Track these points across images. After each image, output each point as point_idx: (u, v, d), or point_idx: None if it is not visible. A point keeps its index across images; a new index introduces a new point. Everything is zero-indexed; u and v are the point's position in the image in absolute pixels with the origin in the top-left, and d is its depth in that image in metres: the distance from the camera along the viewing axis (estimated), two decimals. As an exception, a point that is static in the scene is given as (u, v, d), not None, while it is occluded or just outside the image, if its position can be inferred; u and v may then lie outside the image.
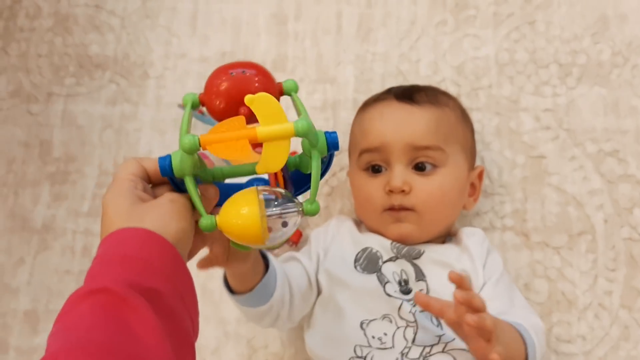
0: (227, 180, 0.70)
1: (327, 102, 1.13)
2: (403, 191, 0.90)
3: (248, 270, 0.80)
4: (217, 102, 0.67)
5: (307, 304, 0.92)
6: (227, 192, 0.65)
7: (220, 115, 0.67)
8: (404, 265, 0.89)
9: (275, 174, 0.67)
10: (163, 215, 0.61)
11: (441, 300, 0.76)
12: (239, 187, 0.66)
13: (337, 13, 1.18)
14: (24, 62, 1.19)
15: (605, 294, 1.00)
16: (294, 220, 0.62)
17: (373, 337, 0.84)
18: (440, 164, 0.91)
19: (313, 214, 0.63)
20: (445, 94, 1.00)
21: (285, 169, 0.68)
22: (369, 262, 0.90)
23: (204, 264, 0.76)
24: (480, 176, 0.99)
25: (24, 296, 1.06)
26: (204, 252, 0.74)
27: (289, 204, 0.62)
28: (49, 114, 1.16)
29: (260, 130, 0.57)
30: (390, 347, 0.84)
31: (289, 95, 0.70)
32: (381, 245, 0.92)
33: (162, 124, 1.14)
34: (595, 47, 1.12)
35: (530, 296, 1.00)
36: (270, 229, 0.61)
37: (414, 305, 0.85)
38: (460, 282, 0.72)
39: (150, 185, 0.67)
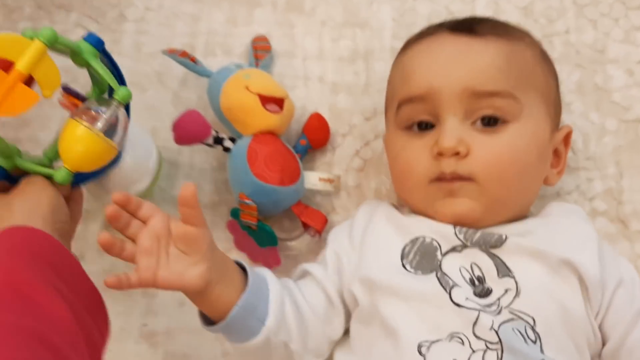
0: None
1: (358, 51, 0.88)
2: (458, 153, 0.65)
3: (205, 285, 0.61)
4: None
5: (332, 328, 0.69)
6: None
7: None
8: (475, 256, 0.64)
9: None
10: (28, 199, 0.63)
11: None
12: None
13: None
14: (-34, 1, 0.93)
15: None
16: (117, 113, 0.64)
17: None
18: (511, 117, 0.66)
19: (128, 97, 0.65)
20: (518, 28, 0.75)
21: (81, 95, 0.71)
22: (422, 257, 0.65)
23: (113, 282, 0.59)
24: (567, 140, 0.73)
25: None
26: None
27: (102, 107, 0.64)
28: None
29: (19, 63, 0.57)
30: None
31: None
32: (439, 232, 0.67)
33: (143, 78, 0.88)
34: (700, -16, 0.88)
35: None
36: (109, 136, 0.63)
37: (498, 312, 0.60)
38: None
39: None
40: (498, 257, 0.64)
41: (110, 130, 0.63)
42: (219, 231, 0.81)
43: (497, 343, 0.59)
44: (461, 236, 0.66)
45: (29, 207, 0.62)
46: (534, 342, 0.59)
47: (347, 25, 0.89)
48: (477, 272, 0.63)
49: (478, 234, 0.65)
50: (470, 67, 0.67)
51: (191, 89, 0.88)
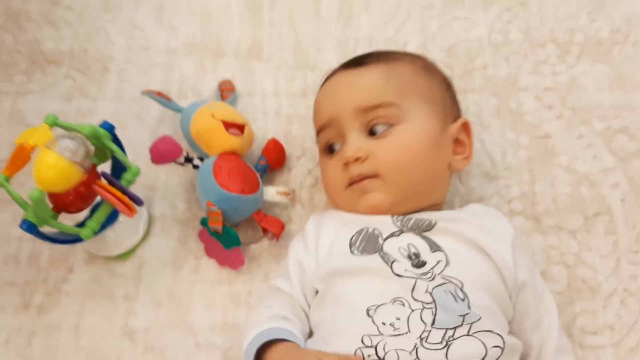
0: None
1: (308, 88, 1.03)
2: (358, 159, 0.80)
3: None
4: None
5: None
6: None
7: None
8: (411, 238, 0.77)
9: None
10: None
11: None
12: None
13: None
14: (-32, 60, 1.07)
15: (630, 278, 0.89)
16: (84, 144, 0.78)
17: (384, 324, 0.70)
18: (396, 121, 0.81)
19: (138, 173, 0.83)
20: (404, 53, 0.91)
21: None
22: (367, 243, 0.78)
23: None
24: (465, 129, 0.87)
25: (-42, 312, 0.90)
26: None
27: (66, 140, 0.77)
28: (-5, 113, 1.03)
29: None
30: (406, 333, 0.69)
31: None
32: (379, 222, 0.79)
33: (124, 118, 1.01)
34: (592, 25, 1.05)
35: (548, 285, 0.85)
36: (77, 163, 0.76)
37: (432, 279, 0.72)
38: None
39: None
40: (430, 238, 0.76)
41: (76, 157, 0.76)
42: (192, 242, 0.93)
43: (431, 303, 0.70)
44: (398, 223, 0.78)
45: None
46: (463, 300, 0.71)
47: (299, 68, 1.04)
48: (413, 250, 0.75)
49: (412, 221, 0.78)
50: (357, 90, 0.83)
51: (166, 126, 1.01)
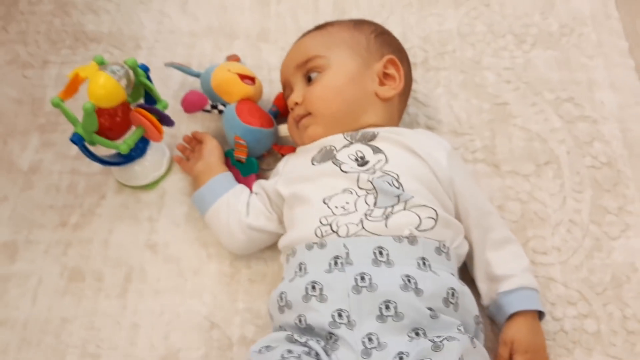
0: None
1: (307, 64, 1.23)
2: (297, 104, 1.00)
3: (195, 174, 1.06)
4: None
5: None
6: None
7: None
8: (358, 147, 0.94)
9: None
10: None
11: None
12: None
13: (315, -3, 1.32)
14: (22, 37, 1.27)
15: (575, 212, 1.06)
16: (127, 73, 0.95)
17: (336, 207, 0.87)
18: (322, 69, 0.99)
19: (167, 106, 1.03)
20: (344, 20, 1.10)
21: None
22: (324, 156, 0.95)
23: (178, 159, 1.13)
24: (392, 64, 1.01)
25: (4, 228, 1.06)
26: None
27: (115, 66, 0.94)
28: (43, 77, 1.22)
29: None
30: (354, 212, 0.86)
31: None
32: (334, 140, 0.97)
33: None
34: (544, 22, 1.27)
35: (504, 215, 1.05)
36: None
37: (373, 173, 0.89)
38: None
39: None
40: (373, 145, 0.94)
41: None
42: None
43: (372, 189, 0.87)
44: (348, 138, 0.96)
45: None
46: (398, 188, 0.87)
47: (300, 49, 1.25)
48: (359, 154, 0.93)
49: (359, 134, 0.96)
50: (294, 52, 1.05)
51: (187, 89, 1.20)
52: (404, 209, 0.86)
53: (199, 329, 0.97)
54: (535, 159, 1.11)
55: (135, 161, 1.06)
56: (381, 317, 0.78)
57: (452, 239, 0.89)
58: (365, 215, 0.85)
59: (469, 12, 1.28)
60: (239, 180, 1.05)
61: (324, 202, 0.88)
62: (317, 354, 0.78)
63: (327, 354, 0.78)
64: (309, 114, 0.99)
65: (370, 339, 0.77)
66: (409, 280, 0.79)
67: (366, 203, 0.87)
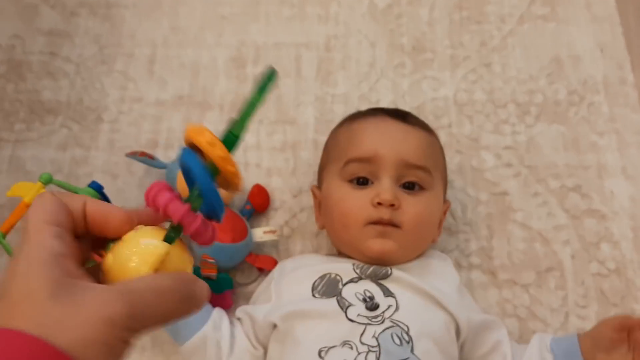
0: None
1: (287, 143, 1.11)
2: (393, 205, 0.86)
3: None
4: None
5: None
6: None
7: None
8: (367, 285, 0.85)
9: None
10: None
11: None
12: None
13: (296, 57, 1.18)
14: (-29, 108, 1.15)
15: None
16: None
17: None
18: (427, 186, 0.89)
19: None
20: (426, 123, 1.00)
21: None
22: (327, 287, 0.85)
23: None
24: (446, 211, 0.97)
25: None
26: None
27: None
28: (-5, 159, 1.11)
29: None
30: None
31: None
32: (341, 269, 0.87)
33: (115, 167, 1.09)
34: (551, 87, 1.13)
35: None
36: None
37: (381, 323, 0.80)
38: None
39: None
40: (384, 285, 0.85)
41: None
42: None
43: (376, 347, 0.79)
44: (358, 271, 0.86)
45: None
46: (408, 343, 0.79)
47: (279, 123, 1.12)
48: (368, 294, 0.84)
49: (371, 269, 0.86)
50: (406, 145, 0.90)
51: (153, 175, 1.09)
52: None
53: None
54: (537, 264, 1.01)
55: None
56: None
57: None
58: None
59: (467, 74, 1.15)
60: (212, 299, 0.96)
61: (320, 356, 0.79)
62: None
63: None
64: (398, 226, 0.87)
65: None
66: None
67: None
